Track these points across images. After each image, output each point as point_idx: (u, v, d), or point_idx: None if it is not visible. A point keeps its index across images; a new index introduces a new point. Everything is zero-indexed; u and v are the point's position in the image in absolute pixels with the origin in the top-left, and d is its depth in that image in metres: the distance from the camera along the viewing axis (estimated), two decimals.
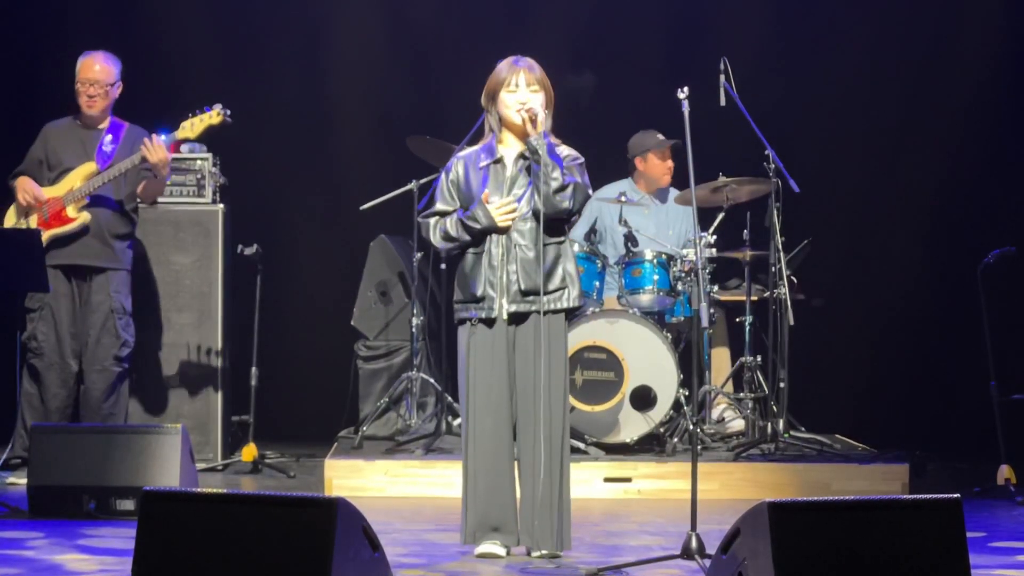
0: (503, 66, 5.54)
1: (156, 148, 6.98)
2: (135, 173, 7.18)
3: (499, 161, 5.54)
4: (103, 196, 7.17)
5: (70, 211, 7.13)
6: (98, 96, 7.21)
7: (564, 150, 5.53)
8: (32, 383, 7.32)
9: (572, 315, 5.68)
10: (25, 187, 7.16)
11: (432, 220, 5.59)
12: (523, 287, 5.44)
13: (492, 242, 5.48)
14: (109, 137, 7.23)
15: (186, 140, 7.16)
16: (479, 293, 5.47)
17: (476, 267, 5.50)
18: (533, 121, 5.42)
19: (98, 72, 7.23)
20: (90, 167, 7.17)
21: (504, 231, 5.46)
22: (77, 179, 7.16)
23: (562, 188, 5.38)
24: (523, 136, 5.48)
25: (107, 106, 7.28)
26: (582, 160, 5.56)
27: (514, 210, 5.45)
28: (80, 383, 7.28)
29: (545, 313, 5.45)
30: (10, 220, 7.23)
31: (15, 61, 8.87)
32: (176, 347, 7.92)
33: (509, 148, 5.56)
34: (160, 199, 7.77)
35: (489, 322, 5.48)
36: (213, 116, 7.04)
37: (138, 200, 7.34)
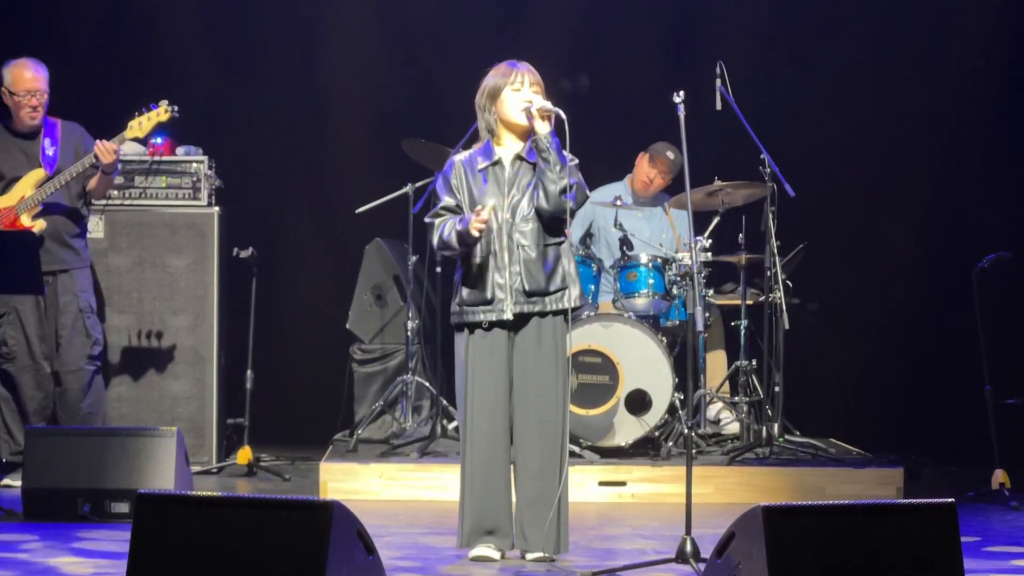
0: (502, 68, 5.53)
1: (108, 151, 6.94)
2: (83, 173, 7.13)
3: (497, 163, 5.53)
4: (55, 201, 7.13)
5: (24, 220, 7.06)
6: (40, 106, 7.13)
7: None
8: (6, 389, 7.29)
9: (572, 314, 5.67)
10: None
11: (438, 220, 5.56)
12: (527, 288, 5.44)
13: (497, 244, 5.47)
14: (48, 141, 7.17)
15: (135, 139, 7.14)
16: (489, 296, 5.46)
17: (484, 270, 5.48)
18: (547, 118, 5.41)
19: (33, 81, 7.11)
20: (39, 173, 7.10)
21: (476, 238, 5.39)
22: (27, 187, 7.09)
23: (568, 188, 5.38)
24: (526, 135, 5.47)
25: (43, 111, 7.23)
26: (577, 161, 5.55)
27: (485, 221, 5.38)
28: (56, 385, 7.24)
29: (546, 314, 5.46)
30: None
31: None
32: (171, 350, 7.92)
33: (506, 150, 5.55)
34: (156, 202, 7.79)
35: (492, 325, 5.47)
36: (161, 113, 7.01)
37: (87, 196, 7.30)
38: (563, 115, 5.40)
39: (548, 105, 5.42)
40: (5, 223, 7.05)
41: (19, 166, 7.16)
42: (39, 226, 7.08)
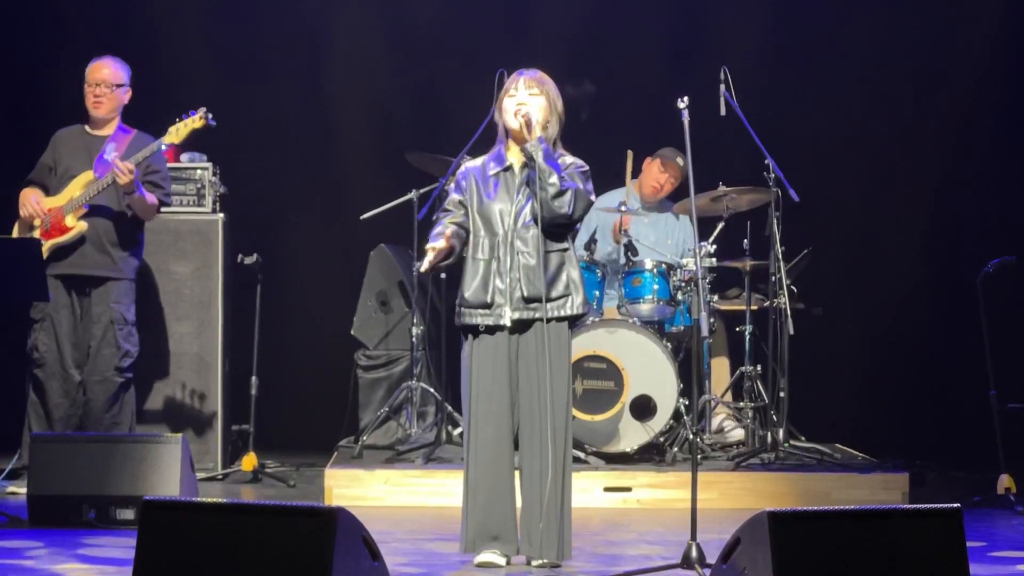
0: (511, 77, 5.56)
1: (122, 172, 6.97)
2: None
3: (508, 168, 5.54)
4: (101, 204, 7.16)
5: (68, 220, 7.14)
6: (104, 96, 7.24)
7: (568, 159, 5.53)
8: (36, 393, 7.32)
9: (576, 322, 5.67)
10: (26, 200, 7.18)
11: (443, 217, 5.58)
12: (526, 294, 5.44)
13: (501, 249, 5.48)
14: (112, 145, 7.23)
15: (171, 144, 7.20)
16: (488, 300, 5.46)
17: (486, 274, 5.48)
18: (528, 125, 5.41)
19: (106, 74, 7.27)
20: (88, 175, 7.17)
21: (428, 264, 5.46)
22: (76, 187, 7.17)
23: (560, 193, 5.37)
24: (521, 142, 5.48)
25: (114, 108, 7.28)
26: (586, 168, 5.54)
27: (432, 259, 5.44)
28: (82, 394, 7.27)
29: (548, 320, 5.45)
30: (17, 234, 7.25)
31: (16, 69, 8.87)
32: (176, 356, 7.92)
33: (516, 155, 5.54)
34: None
35: (493, 330, 5.47)
36: (197, 120, 7.08)
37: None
38: (537, 118, 5.40)
39: (529, 111, 5.42)
40: (52, 223, 7.12)
41: (79, 163, 7.23)
42: (80, 227, 7.15)
